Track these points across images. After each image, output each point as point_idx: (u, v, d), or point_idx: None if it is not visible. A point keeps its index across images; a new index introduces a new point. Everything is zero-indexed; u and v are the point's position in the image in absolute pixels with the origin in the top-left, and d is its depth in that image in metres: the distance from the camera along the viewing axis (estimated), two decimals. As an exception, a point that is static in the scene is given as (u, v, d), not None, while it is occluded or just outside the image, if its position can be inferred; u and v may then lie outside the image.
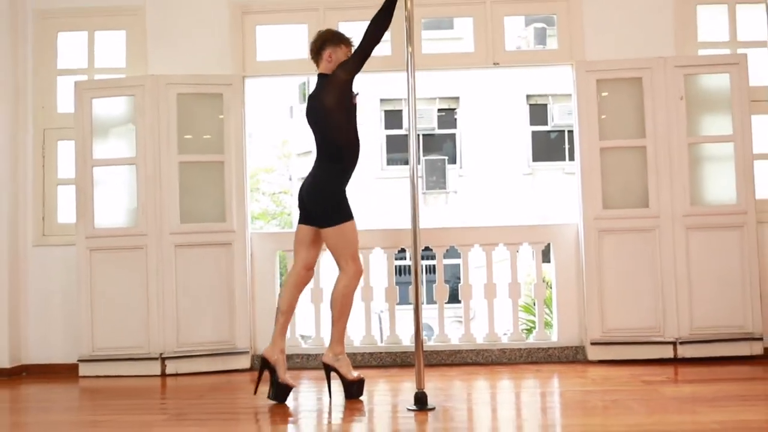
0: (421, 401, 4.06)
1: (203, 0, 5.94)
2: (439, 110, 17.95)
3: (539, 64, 6.53)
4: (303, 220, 4.50)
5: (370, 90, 17.20)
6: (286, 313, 4.48)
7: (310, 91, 4.56)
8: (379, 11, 4.40)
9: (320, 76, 4.49)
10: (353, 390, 4.41)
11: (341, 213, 4.37)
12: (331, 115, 4.40)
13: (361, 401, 4.38)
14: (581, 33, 5.83)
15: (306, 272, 4.55)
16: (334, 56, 4.45)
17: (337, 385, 4.44)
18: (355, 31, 6.25)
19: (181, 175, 5.68)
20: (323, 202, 4.38)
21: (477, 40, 5.90)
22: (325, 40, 4.48)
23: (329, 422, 4.11)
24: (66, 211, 5.90)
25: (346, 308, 4.44)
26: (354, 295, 4.49)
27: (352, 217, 4.42)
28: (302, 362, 5.74)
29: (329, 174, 4.41)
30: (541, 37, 17.04)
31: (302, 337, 5.98)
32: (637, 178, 5.64)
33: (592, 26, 5.82)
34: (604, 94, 5.70)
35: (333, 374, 4.43)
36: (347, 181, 4.49)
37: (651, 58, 5.62)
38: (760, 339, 5.42)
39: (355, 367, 5.60)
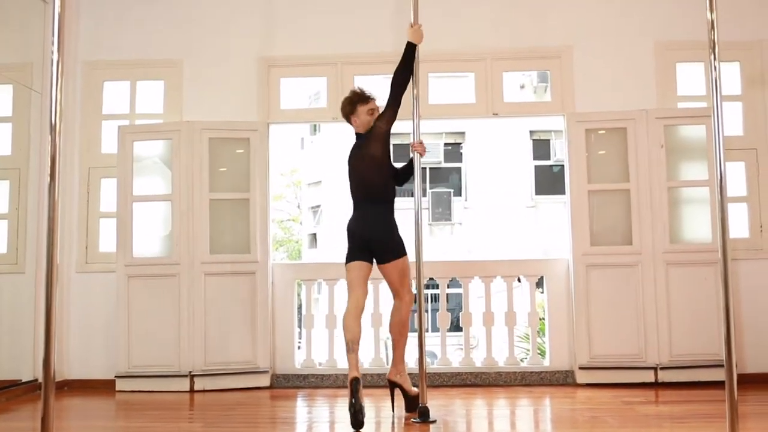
0: (423, 414, 4.63)
1: (234, 55, 6.59)
2: (446, 144, 18.47)
3: (534, 115, 7.20)
4: (362, 257, 4.81)
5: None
6: (358, 341, 4.74)
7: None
8: (401, 63, 4.86)
9: (359, 135, 4.97)
10: (413, 403, 4.83)
11: (402, 247, 4.83)
12: (384, 164, 4.88)
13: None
14: (572, 87, 6.44)
15: (363, 304, 4.85)
16: (375, 111, 4.93)
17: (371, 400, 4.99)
18: (370, 84, 6.90)
19: (212, 210, 6.27)
20: (392, 239, 4.83)
21: (478, 92, 6.51)
22: (355, 102, 4.92)
23: None
24: (107, 241, 6.48)
25: (406, 330, 4.94)
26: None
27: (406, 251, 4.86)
28: (317, 381, 6.30)
29: (392, 214, 4.91)
30: (543, 76, 17.66)
31: (319, 363, 6.51)
32: (621, 218, 6.19)
33: (582, 81, 6.43)
34: (595, 142, 6.24)
35: (396, 390, 4.93)
36: None
37: (634, 110, 6.22)
38: (735, 366, 5.94)
39: (364, 387, 6.18)
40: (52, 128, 2.81)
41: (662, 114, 6.22)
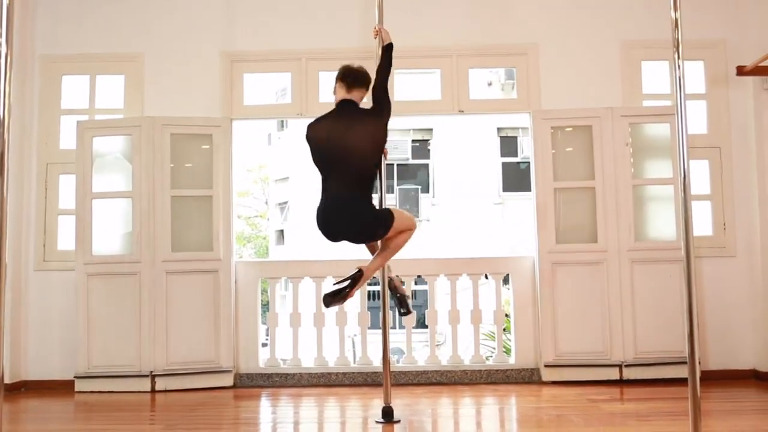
0: (387, 414, 4.58)
1: (196, 50, 6.47)
2: (413, 141, 18.49)
3: (500, 112, 7.18)
4: None
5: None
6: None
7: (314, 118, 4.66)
8: (382, 62, 4.69)
9: (352, 103, 4.55)
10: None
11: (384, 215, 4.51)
12: (377, 149, 4.52)
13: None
14: (538, 85, 6.42)
15: None
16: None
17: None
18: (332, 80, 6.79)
19: (173, 207, 6.16)
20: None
21: (444, 89, 6.47)
22: (367, 84, 4.63)
23: (307, 432, 4.62)
24: (65, 239, 6.34)
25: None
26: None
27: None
28: (281, 381, 6.22)
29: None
30: (510, 73, 17.71)
31: (283, 362, 6.44)
32: (587, 215, 6.20)
33: (548, 79, 6.42)
34: (560, 139, 6.25)
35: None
36: None
37: (600, 108, 6.22)
38: (698, 363, 5.97)
39: (329, 385, 6.15)
40: (1, 123, 2.70)
41: (627, 112, 6.24)
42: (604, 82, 6.41)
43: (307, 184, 19.06)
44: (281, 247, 22.04)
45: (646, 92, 6.47)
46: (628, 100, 6.38)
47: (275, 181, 23.27)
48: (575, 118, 6.27)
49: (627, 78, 6.42)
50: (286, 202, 21.40)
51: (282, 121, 22.08)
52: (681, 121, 3.46)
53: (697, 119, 6.37)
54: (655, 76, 6.49)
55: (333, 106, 4.60)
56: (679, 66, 3.43)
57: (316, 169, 4.48)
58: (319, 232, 4.45)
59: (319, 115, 4.63)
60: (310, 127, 4.55)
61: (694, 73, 6.42)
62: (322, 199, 4.41)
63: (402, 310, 4.76)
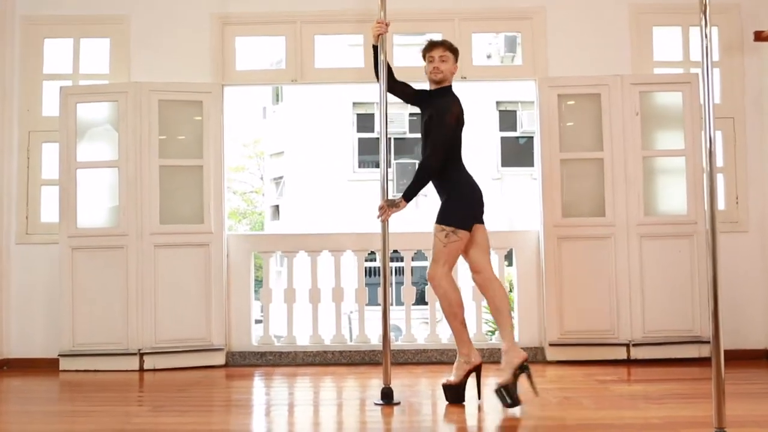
0: (387, 396, 4.33)
1: (186, 11, 6.16)
2: (411, 114, 18.22)
3: (504, 79, 6.90)
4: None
5: (343, 93, 17.43)
6: None
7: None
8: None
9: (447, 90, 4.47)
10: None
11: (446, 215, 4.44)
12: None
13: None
14: (544, 51, 6.14)
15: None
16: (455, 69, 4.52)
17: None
18: (331, 44, 6.54)
19: (162, 178, 5.88)
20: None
21: (446, 54, 6.16)
22: (457, 52, 4.53)
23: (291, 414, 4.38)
24: (49, 211, 6.07)
25: (447, 315, 4.45)
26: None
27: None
28: (275, 359, 5.98)
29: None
30: (510, 45, 17.43)
31: (277, 339, 6.21)
32: (594, 188, 5.94)
33: (555, 44, 6.13)
34: (567, 108, 5.99)
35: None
36: None
37: (609, 75, 5.94)
38: (708, 342, 5.73)
39: (325, 364, 5.92)
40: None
41: (638, 80, 5.97)
42: (613, 49, 6.13)
43: (302, 159, 18.79)
44: (276, 222, 21.81)
45: (657, 59, 6.18)
46: (638, 68, 6.11)
47: (270, 155, 22.97)
48: (583, 86, 5.99)
49: (637, 44, 6.14)
50: (281, 177, 21.11)
51: (277, 94, 21.76)
52: (707, 89, 3.27)
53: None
54: (667, 43, 6.21)
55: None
56: (706, 35, 3.27)
57: (457, 144, 4.41)
58: (473, 211, 4.42)
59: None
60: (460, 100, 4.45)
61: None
62: (471, 177, 4.44)
63: (508, 401, 4.26)
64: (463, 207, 4.37)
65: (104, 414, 4.29)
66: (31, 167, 6.14)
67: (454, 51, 4.51)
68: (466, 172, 4.45)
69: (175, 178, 5.96)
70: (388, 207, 4.39)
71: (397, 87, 4.64)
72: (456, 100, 4.42)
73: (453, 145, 4.37)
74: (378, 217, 4.42)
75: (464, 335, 4.42)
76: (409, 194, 4.34)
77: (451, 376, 4.42)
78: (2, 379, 5.58)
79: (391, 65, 4.59)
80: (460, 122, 4.39)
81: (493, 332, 7.79)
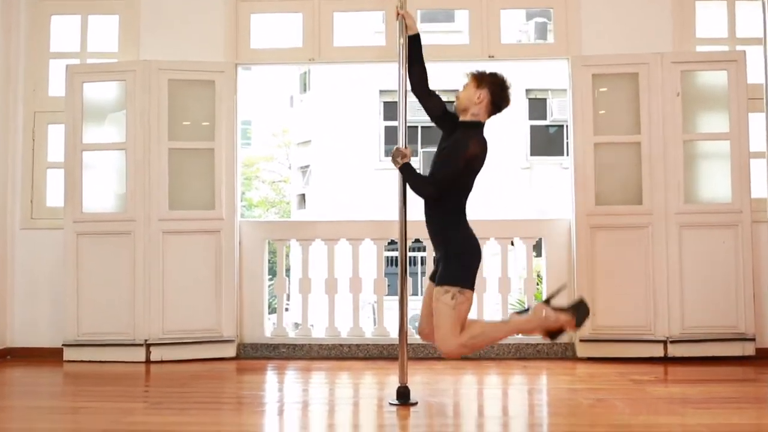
0: (403, 396, 4.01)
1: (197, -15, 5.86)
2: (440, 102, 17.83)
3: (535, 58, 6.48)
4: None
5: (370, 81, 17.11)
6: None
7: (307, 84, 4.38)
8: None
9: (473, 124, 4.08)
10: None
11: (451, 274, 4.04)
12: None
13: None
14: (578, 27, 5.75)
15: None
16: (485, 100, 4.09)
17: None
18: (351, 23, 6.18)
19: (171, 161, 5.60)
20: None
21: (473, 32, 5.81)
22: (485, 81, 4.13)
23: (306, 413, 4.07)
24: (55, 195, 5.83)
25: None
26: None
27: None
28: (288, 352, 5.69)
29: None
30: (541, 32, 16.96)
31: (293, 327, 5.92)
32: (630, 174, 5.56)
33: (590, 21, 5.74)
34: (602, 89, 5.62)
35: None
36: None
37: (648, 53, 5.55)
38: (753, 339, 5.35)
39: (341, 358, 5.61)
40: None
41: (679, 58, 5.55)
42: (653, 25, 5.72)
43: (329, 148, 18.52)
44: (303, 211, 21.58)
45: (700, 36, 5.76)
46: (680, 45, 5.70)
47: (297, 144, 22.77)
48: (619, 65, 5.59)
49: (679, 20, 5.72)
50: (308, 166, 20.88)
51: (304, 83, 21.49)
52: None
53: (757, 66, 5.65)
54: (711, 18, 5.79)
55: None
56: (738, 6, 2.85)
57: (461, 189, 4.04)
58: (476, 269, 3.98)
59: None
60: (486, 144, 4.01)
61: (754, 15, 5.69)
62: (472, 230, 4.02)
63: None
64: (466, 264, 3.93)
65: (108, 410, 4.02)
66: (37, 149, 5.89)
67: (477, 77, 4.08)
68: (467, 225, 4.03)
69: (185, 162, 5.68)
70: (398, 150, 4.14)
71: (426, 97, 4.31)
72: (480, 141, 3.97)
73: (459, 190, 3.99)
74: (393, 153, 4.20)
75: (518, 324, 4.10)
76: (407, 171, 4.10)
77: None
78: (5, 370, 5.36)
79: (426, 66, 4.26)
80: (471, 167, 3.95)
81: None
